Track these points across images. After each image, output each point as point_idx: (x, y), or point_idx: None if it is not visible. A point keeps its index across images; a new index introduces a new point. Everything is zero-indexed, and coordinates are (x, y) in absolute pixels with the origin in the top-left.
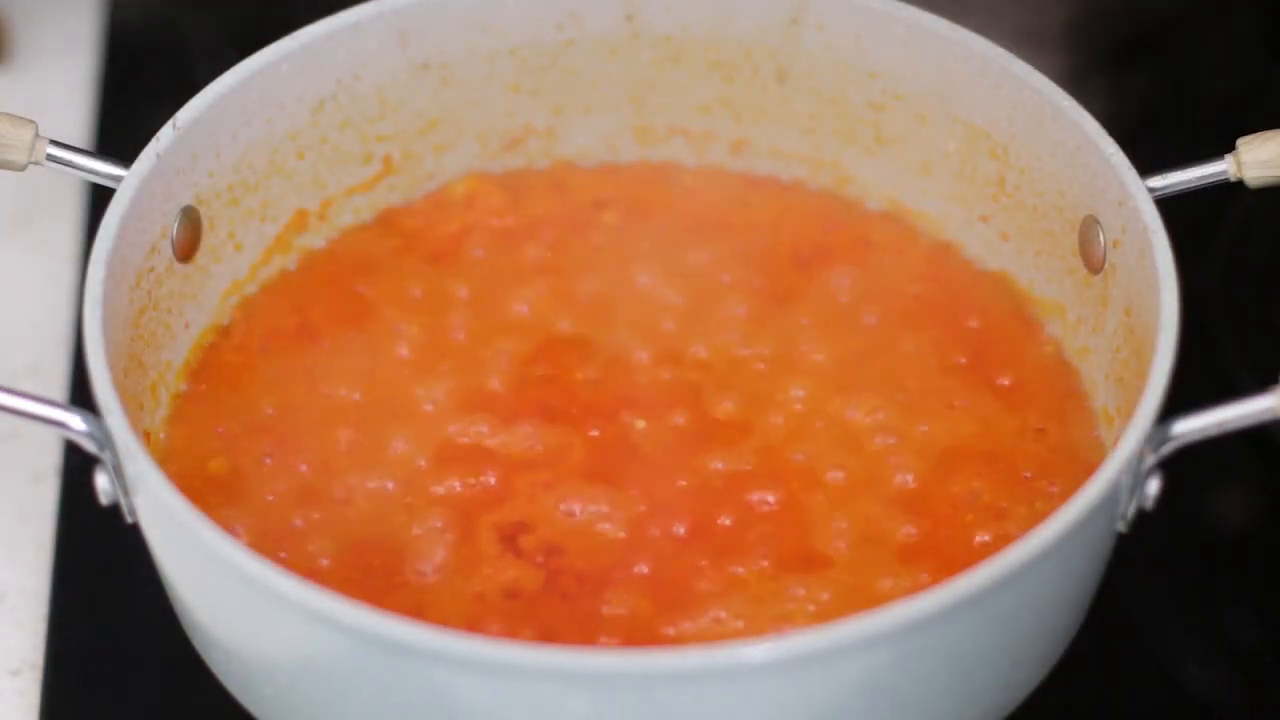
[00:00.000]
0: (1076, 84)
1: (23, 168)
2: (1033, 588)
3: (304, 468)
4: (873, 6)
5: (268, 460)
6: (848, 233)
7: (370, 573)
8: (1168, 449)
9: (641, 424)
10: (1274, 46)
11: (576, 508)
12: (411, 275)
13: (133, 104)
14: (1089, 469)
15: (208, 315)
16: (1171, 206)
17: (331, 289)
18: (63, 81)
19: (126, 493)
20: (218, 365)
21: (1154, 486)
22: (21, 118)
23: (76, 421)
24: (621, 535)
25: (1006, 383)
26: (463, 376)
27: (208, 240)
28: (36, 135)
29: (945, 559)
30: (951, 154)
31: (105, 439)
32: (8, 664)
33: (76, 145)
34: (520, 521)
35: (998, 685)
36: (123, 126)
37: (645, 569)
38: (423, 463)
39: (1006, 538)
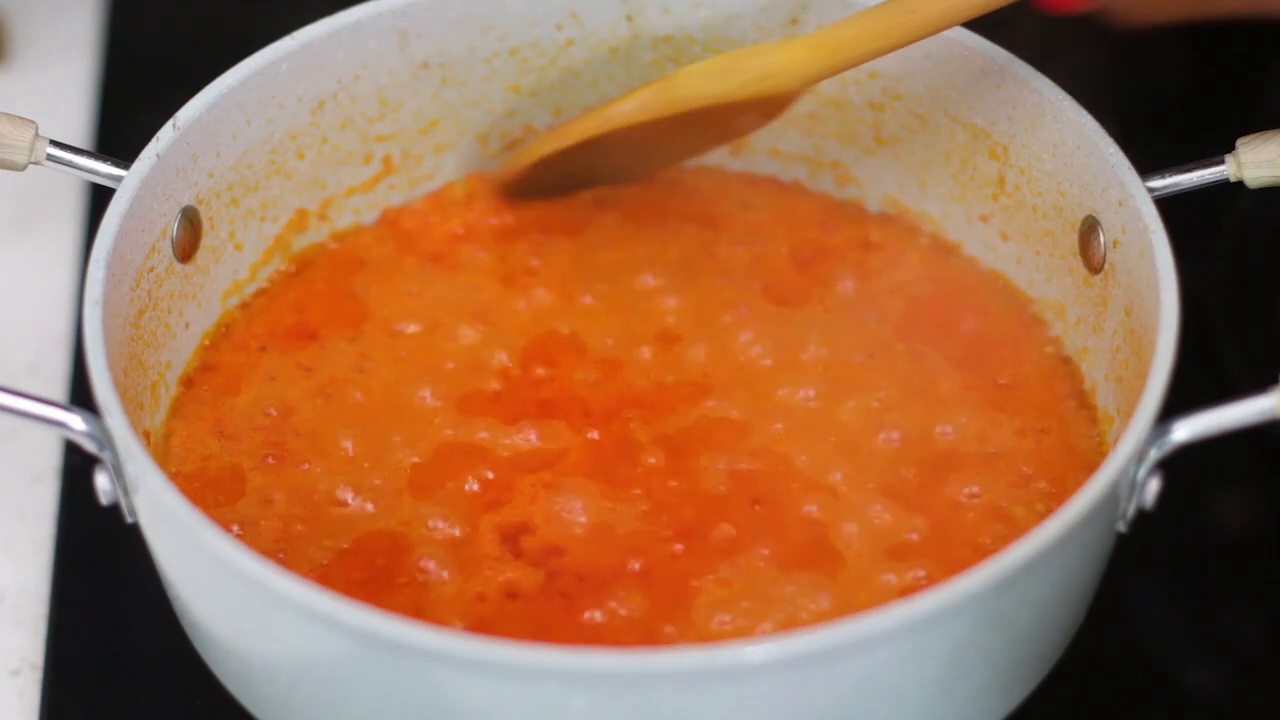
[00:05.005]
0: (1076, 83)
1: (23, 168)
2: (1033, 588)
3: (304, 467)
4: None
5: (268, 460)
6: (848, 233)
7: (370, 573)
8: (1168, 449)
9: (642, 424)
10: (1276, 46)
11: (577, 508)
12: (411, 275)
13: (133, 104)
14: (1089, 469)
15: (208, 315)
16: (1171, 206)
17: (331, 289)
18: (63, 81)
19: (126, 493)
20: (218, 365)
21: (1154, 486)
22: (21, 118)
23: (76, 421)
24: (621, 535)
25: (1006, 383)
26: (463, 377)
27: (208, 240)
28: (36, 135)
29: (945, 559)
30: (951, 154)
31: (105, 439)
32: (8, 664)
33: (76, 145)
34: (520, 522)
35: (998, 685)
36: (123, 126)
37: (645, 569)
38: (423, 463)
39: (1006, 538)
